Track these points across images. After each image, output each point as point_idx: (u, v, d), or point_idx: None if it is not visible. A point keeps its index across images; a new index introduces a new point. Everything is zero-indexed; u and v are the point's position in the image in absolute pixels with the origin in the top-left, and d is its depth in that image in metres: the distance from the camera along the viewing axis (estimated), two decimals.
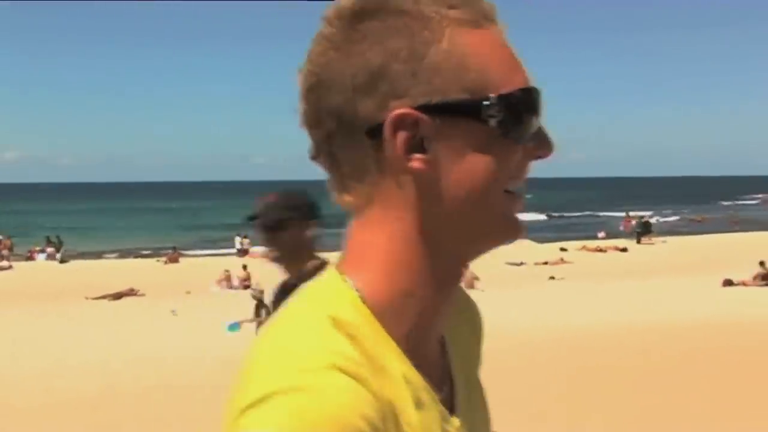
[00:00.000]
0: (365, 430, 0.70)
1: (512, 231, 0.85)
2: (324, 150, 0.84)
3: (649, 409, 7.89)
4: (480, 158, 0.80)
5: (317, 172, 0.87)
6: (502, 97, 0.81)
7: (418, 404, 0.79)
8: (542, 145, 0.85)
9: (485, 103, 0.80)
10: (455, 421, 0.87)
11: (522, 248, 26.03)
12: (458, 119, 0.80)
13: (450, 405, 0.88)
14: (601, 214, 66.74)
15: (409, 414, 0.78)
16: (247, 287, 20.66)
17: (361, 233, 0.84)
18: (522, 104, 0.82)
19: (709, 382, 9.25)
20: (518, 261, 26.33)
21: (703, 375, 9.68)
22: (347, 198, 0.84)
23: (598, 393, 8.61)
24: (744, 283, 19.97)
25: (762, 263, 20.73)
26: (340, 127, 0.81)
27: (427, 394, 0.82)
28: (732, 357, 10.60)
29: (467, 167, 0.80)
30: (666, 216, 66.47)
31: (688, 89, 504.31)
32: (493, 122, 0.80)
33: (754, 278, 20.34)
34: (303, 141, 0.87)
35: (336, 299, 0.80)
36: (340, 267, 0.85)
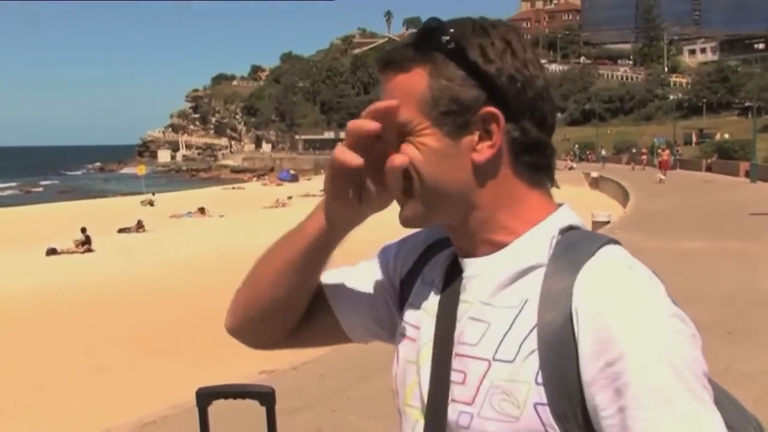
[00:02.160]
0: None
1: None
2: None
3: None
4: None
5: None
6: None
7: None
8: None
9: None
10: None
11: None
12: None
13: None
14: None
15: None
16: None
17: None
18: None
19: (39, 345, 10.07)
20: None
21: (31, 340, 10.43)
22: None
23: None
24: (68, 251, 21.14)
25: (83, 230, 22.21)
26: None
27: None
28: (57, 322, 11.60)
29: None
30: None
31: None
32: None
33: (77, 245, 21.69)
34: None
35: None
36: None
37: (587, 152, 64.32)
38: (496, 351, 0.97)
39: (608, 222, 17.52)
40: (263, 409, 1.16)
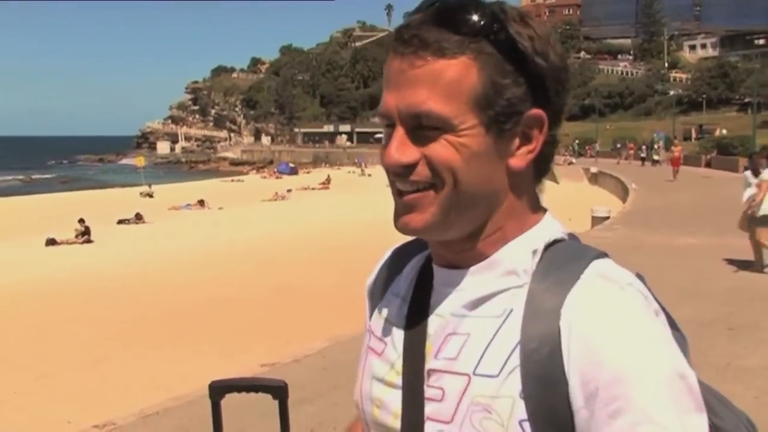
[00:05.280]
0: None
1: None
2: None
3: None
4: None
5: None
6: None
7: None
8: None
9: None
10: None
11: None
12: None
13: None
14: None
15: None
16: None
17: None
18: None
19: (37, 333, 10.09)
20: None
21: (31, 330, 10.44)
22: None
23: None
24: (67, 242, 21.12)
25: (81, 220, 22.17)
26: None
27: None
28: (56, 312, 11.60)
29: None
30: None
31: None
32: None
33: (76, 236, 21.68)
34: None
35: None
36: None
37: (587, 147, 64.28)
38: (477, 365, 0.89)
39: (608, 218, 17.52)
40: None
